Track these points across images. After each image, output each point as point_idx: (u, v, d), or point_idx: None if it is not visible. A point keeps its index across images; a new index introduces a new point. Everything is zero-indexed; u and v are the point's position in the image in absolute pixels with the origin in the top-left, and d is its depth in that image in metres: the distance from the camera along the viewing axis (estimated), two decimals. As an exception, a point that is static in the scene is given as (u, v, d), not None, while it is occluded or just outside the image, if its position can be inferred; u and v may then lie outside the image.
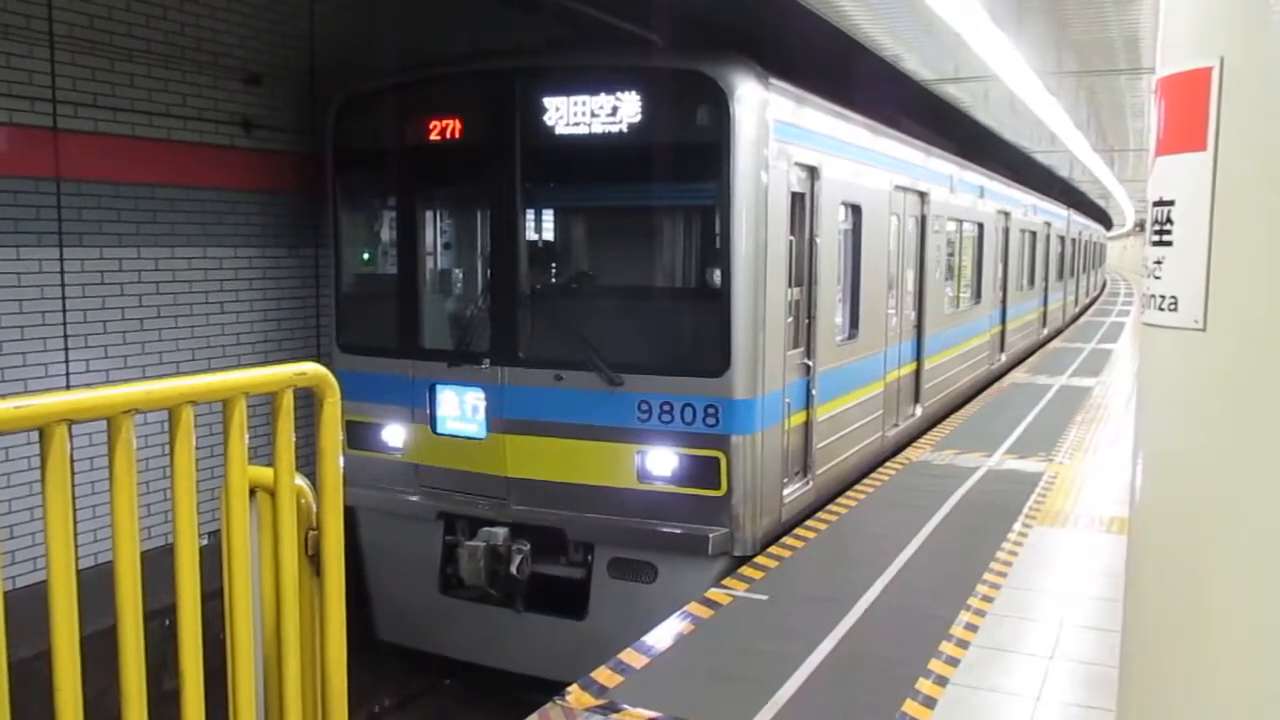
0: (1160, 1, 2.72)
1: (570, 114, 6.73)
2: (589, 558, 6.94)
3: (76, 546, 1.93)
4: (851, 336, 8.78)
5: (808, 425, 7.68)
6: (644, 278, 7.56)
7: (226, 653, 2.29)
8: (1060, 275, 24.89)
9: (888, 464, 9.50)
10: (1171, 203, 2.57)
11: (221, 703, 2.34)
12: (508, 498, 7.14)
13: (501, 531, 6.91)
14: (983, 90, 13.72)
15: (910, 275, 10.89)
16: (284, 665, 2.41)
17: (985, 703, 4.69)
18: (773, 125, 6.68)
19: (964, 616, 5.65)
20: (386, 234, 8.19)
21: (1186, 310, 2.52)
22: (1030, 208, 19.05)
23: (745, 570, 6.40)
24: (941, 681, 4.84)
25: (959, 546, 6.97)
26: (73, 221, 6.91)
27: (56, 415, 1.84)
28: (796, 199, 7.32)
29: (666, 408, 6.67)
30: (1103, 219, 43.84)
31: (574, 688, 4.75)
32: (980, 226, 14.26)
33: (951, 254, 12.85)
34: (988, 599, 5.94)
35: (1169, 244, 2.60)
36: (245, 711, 2.32)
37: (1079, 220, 29.38)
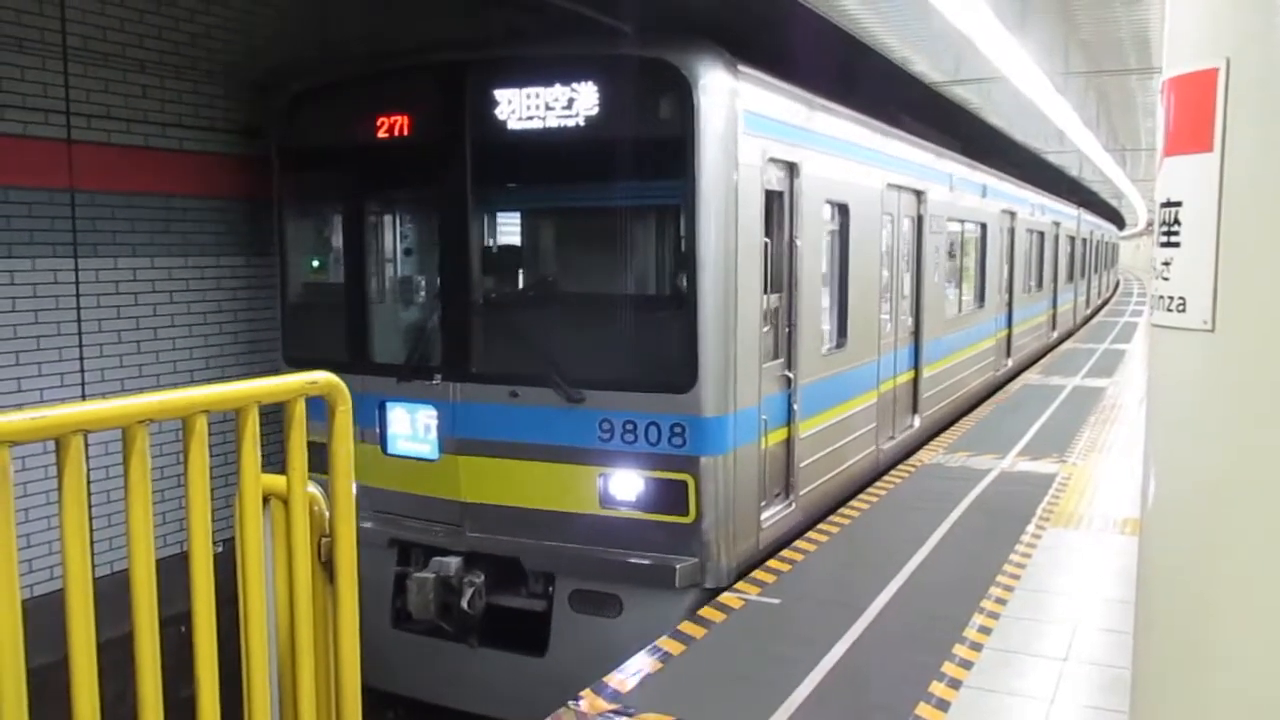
0: (1167, 2, 2.72)
1: (523, 108, 6.21)
2: (550, 589, 6.39)
3: (93, 555, 1.95)
4: (840, 345, 8.26)
5: (789, 442, 7.15)
6: (606, 285, 6.88)
7: (241, 659, 2.31)
8: (1070, 276, 24.26)
9: (900, 466, 9.48)
10: (1179, 204, 2.57)
11: (237, 708, 2.36)
12: (462, 524, 6.58)
13: (454, 561, 6.36)
14: (991, 91, 13.70)
15: (906, 279, 10.40)
16: (298, 671, 2.43)
17: (999, 705, 4.68)
18: (743, 117, 6.14)
19: (977, 619, 5.63)
20: (333, 239, 7.68)
21: (1195, 311, 2.52)
22: (1038, 207, 18.49)
23: (758, 574, 6.40)
24: (955, 684, 4.83)
25: (972, 549, 6.96)
26: (87, 232, 6.96)
27: (72, 425, 1.86)
28: (774, 198, 6.83)
29: (630, 426, 6.14)
30: (1115, 219, 43.64)
31: (587, 692, 4.76)
32: (983, 227, 13.75)
33: (952, 256, 12.39)
34: (1001, 601, 5.92)
35: (1177, 245, 2.60)
36: (261, 717, 2.33)
37: (1089, 219, 28.77)
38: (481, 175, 6.55)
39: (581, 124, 6.08)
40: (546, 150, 6.30)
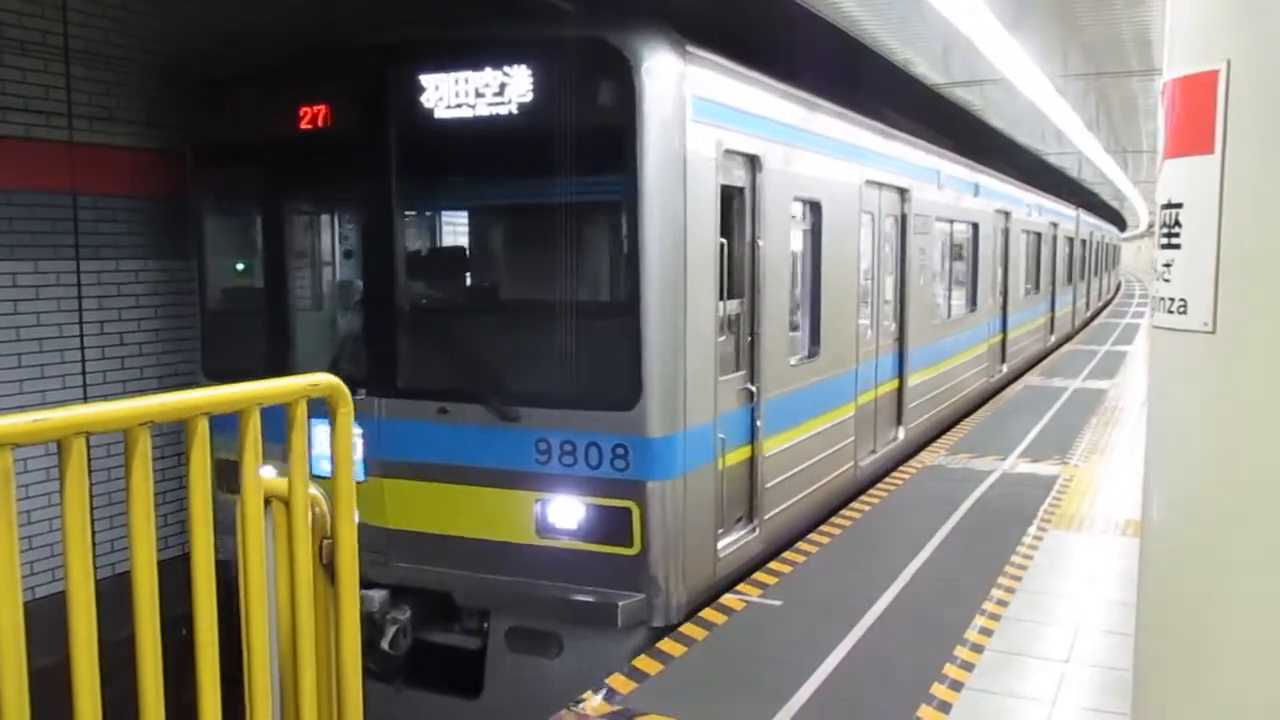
0: (1167, 5, 2.73)
1: (451, 95, 5.63)
2: (485, 625, 5.89)
3: (95, 556, 1.95)
4: (812, 355, 7.64)
5: (752, 462, 6.57)
6: (543, 291, 6.13)
7: (243, 660, 2.32)
8: (1069, 279, 23.66)
9: (901, 468, 9.48)
10: (1180, 205, 2.57)
11: (238, 710, 2.37)
12: (388, 554, 5.96)
13: (377, 595, 5.76)
14: (992, 93, 13.70)
15: (889, 282, 9.72)
16: (300, 672, 2.43)
17: (1000, 707, 4.68)
18: (692, 103, 5.59)
19: (979, 621, 5.63)
20: (253, 242, 7.03)
21: (1196, 313, 2.53)
22: (1034, 207, 17.83)
23: (759, 575, 6.40)
24: (956, 686, 4.83)
25: (974, 550, 6.95)
26: (89, 235, 6.93)
27: (74, 428, 1.87)
28: (733, 194, 6.29)
29: (568, 448, 5.58)
30: (1116, 220, 43.61)
31: (589, 693, 4.76)
32: (975, 227, 13.12)
33: (941, 258, 11.83)
34: (1003, 603, 5.92)
35: (1178, 247, 2.60)
36: (263, 718, 2.34)
37: (1089, 220, 28.21)
38: (406, 170, 5.99)
39: (515, 112, 5.52)
40: (477, 142, 5.75)
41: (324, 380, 2.36)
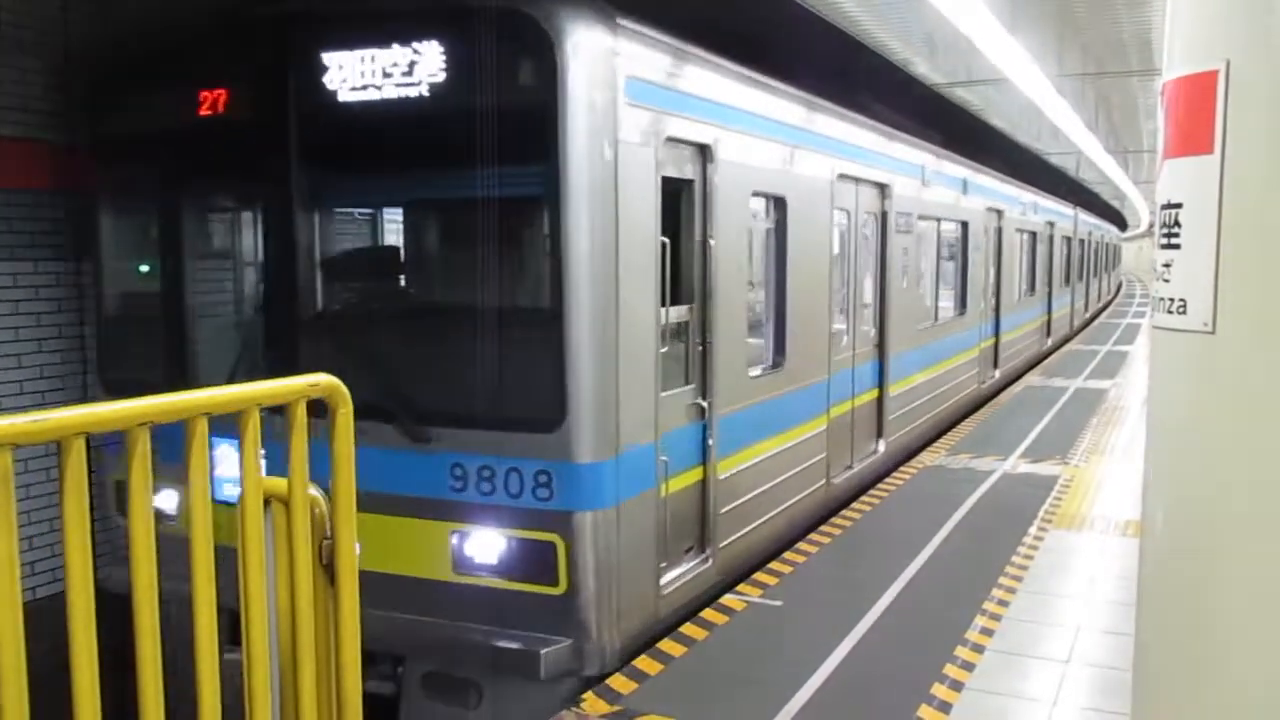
0: (1166, 6, 2.73)
1: (356, 74, 5.05)
2: (399, 669, 5.33)
3: (95, 557, 1.95)
4: (776, 365, 6.98)
5: (705, 485, 5.94)
6: (459, 296, 5.58)
7: (243, 661, 2.32)
8: (1067, 279, 22.95)
9: (902, 469, 9.47)
10: (1179, 205, 2.57)
11: (238, 711, 2.37)
12: None
13: None
14: (992, 93, 13.70)
15: (868, 284, 9.12)
16: (299, 673, 2.43)
17: (1001, 708, 4.68)
18: (626, 85, 4.99)
19: (979, 621, 5.63)
20: (150, 241, 6.42)
21: (1195, 313, 2.53)
22: (1029, 205, 17.05)
23: (759, 576, 6.40)
24: (956, 686, 4.83)
25: (974, 551, 6.95)
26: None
27: (74, 428, 1.87)
28: (681, 187, 5.72)
29: (486, 473, 4.97)
30: (1117, 220, 43.59)
31: (589, 694, 4.76)
32: (965, 226, 12.48)
33: (926, 258, 11.26)
34: (1003, 603, 5.92)
35: (1177, 247, 2.60)
36: (262, 718, 2.34)
37: (1088, 220, 27.50)
38: (308, 161, 5.39)
39: (426, 94, 4.95)
40: (385, 128, 5.16)
41: (323, 380, 2.36)
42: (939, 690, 4.78)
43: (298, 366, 4.98)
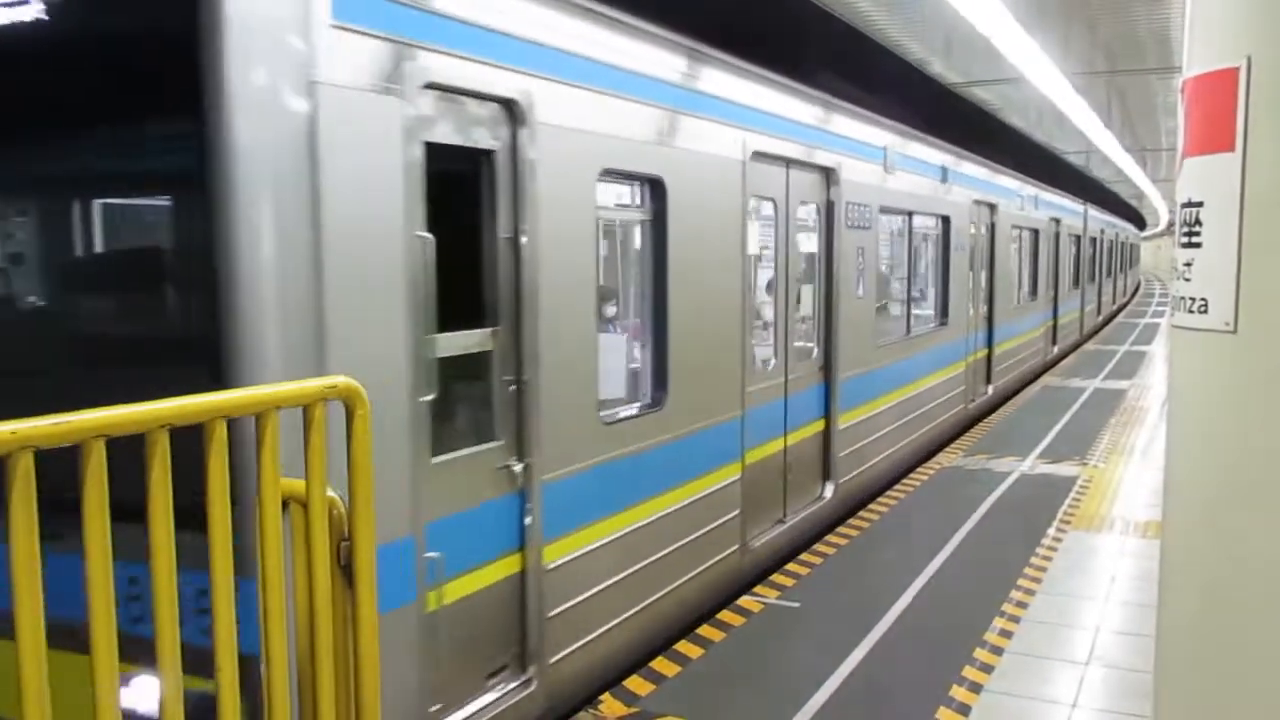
0: (1186, 3, 2.71)
1: None
2: None
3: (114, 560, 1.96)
4: (654, 405, 5.38)
5: (524, 580, 4.34)
6: (70, 322, 3.78)
7: (261, 662, 2.33)
8: (1076, 281, 21.10)
9: (920, 469, 9.43)
10: (1200, 204, 2.55)
11: (257, 712, 2.37)
12: None
13: None
14: (1009, 92, 13.64)
15: (806, 293, 7.64)
16: (318, 675, 2.44)
17: (1020, 710, 4.65)
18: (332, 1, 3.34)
19: (998, 622, 5.60)
20: None
21: (1217, 312, 2.50)
22: (1029, 199, 15.25)
23: (776, 577, 6.38)
24: (975, 688, 4.80)
25: (993, 551, 6.92)
26: None
27: (95, 430, 1.88)
28: (473, 161, 4.12)
29: (135, 592, 2.77)
30: (1135, 219, 43.31)
31: (606, 696, 4.76)
32: (946, 221, 10.84)
33: (893, 259, 9.92)
34: (1022, 605, 5.89)
35: (1198, 245, 2.58)
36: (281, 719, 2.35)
37: (1100, 217, 25.47)
38: None
39: (26, 21, 3.35)
40: None
41: (341, 382, 2.36)
42: (957, 692, 4.76)
43: None
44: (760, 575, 6.47)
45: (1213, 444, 2.65)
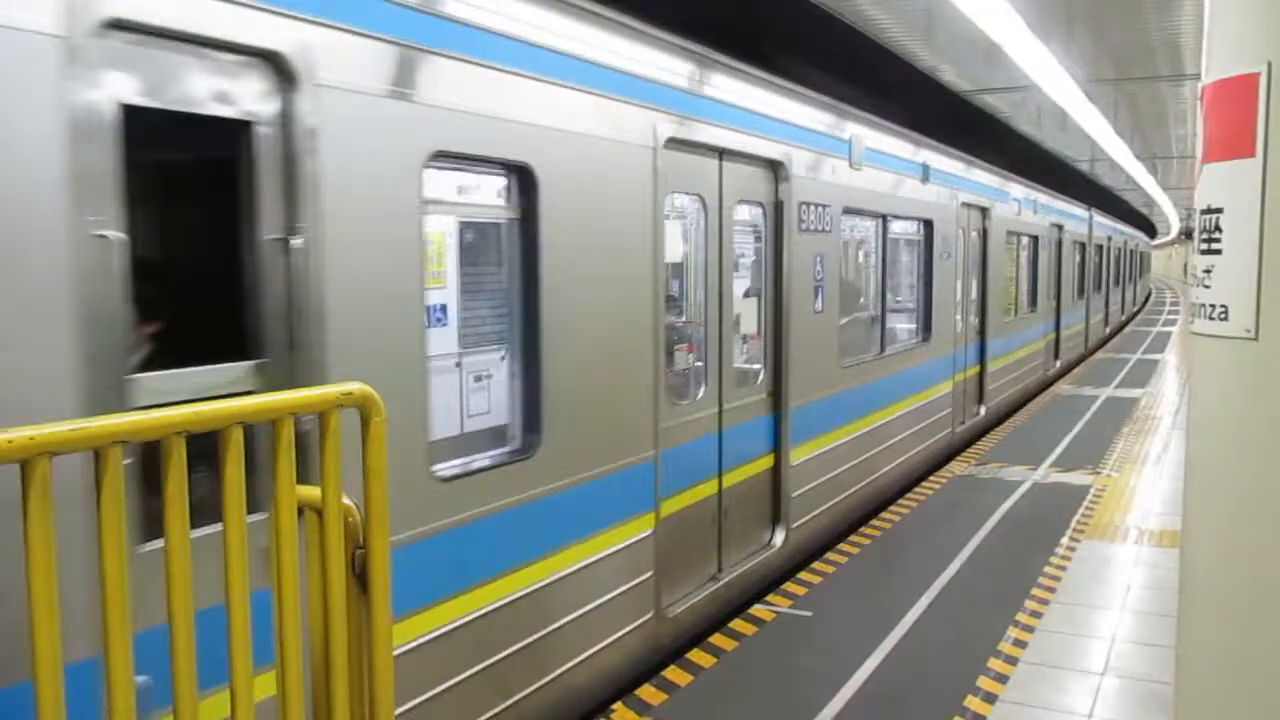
0: (1205, 9, 2.70)
1: None
2: None
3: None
4: (523, 451, 4.36)
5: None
6: None
7: (275, 671, 2.32)
8: (1081, 291, 19.86)
9: (932, 477, 9.39)
10: (1220, 210, 2.54)
11: (271, 720, 2.36)
12: None
13: None
14: (1021, 100, 13.61)
15: (749, 310, 6.55)
16: (332, 684, 2.43)
17: (1036, 720, 4.62)
18: None
19: (1012, 632, 5.57)
20: None
21: (1237, 319, 2.49)
22: (1026, 203, 14.12)
23: (788, 586, 6.36)
24: (990, 698, 4.77)
25: (1006, 560, 6.88)
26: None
27: (112, 436, 1.87)
28: (208, 135, 3.10)
29: None
30: (1146, 227, 43.16)
31: (619, 705, 4.74)
32: (928, 226, 9.75)
33: (864, 268, 9.01)
34: (1036, 614, 5.85)
35: (1218, 252, 2.56)
36: (295, 729, 2.33)
37: (1106, 223, 24.11)
38: None
39: None
40: None
41: (357, 389, 2.35)
42: (972, 702, 4.72)
43: None
44: (694, 640, 5.54)
45: (1234, 451, 2.63)
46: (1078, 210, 19.26)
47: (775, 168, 6.51)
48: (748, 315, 6.54)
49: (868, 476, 8.18)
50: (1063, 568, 6.72)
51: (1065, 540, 7.35)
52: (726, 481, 6.06)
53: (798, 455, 6.82)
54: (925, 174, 9.48)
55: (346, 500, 2.42)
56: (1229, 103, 2.55)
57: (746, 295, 6.56)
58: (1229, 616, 2.66)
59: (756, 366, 6.58)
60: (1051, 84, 11.01)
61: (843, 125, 7.58)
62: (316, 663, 2.44)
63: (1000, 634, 5.53)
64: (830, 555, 7.00)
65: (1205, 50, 2.66)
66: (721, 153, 5.87)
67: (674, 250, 5.72)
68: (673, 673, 5.08)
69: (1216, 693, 2.70)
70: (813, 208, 6.97)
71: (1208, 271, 2.59)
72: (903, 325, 9.86)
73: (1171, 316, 33.35)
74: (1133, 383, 16.29)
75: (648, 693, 4.86)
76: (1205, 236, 2.59)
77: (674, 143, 5.27)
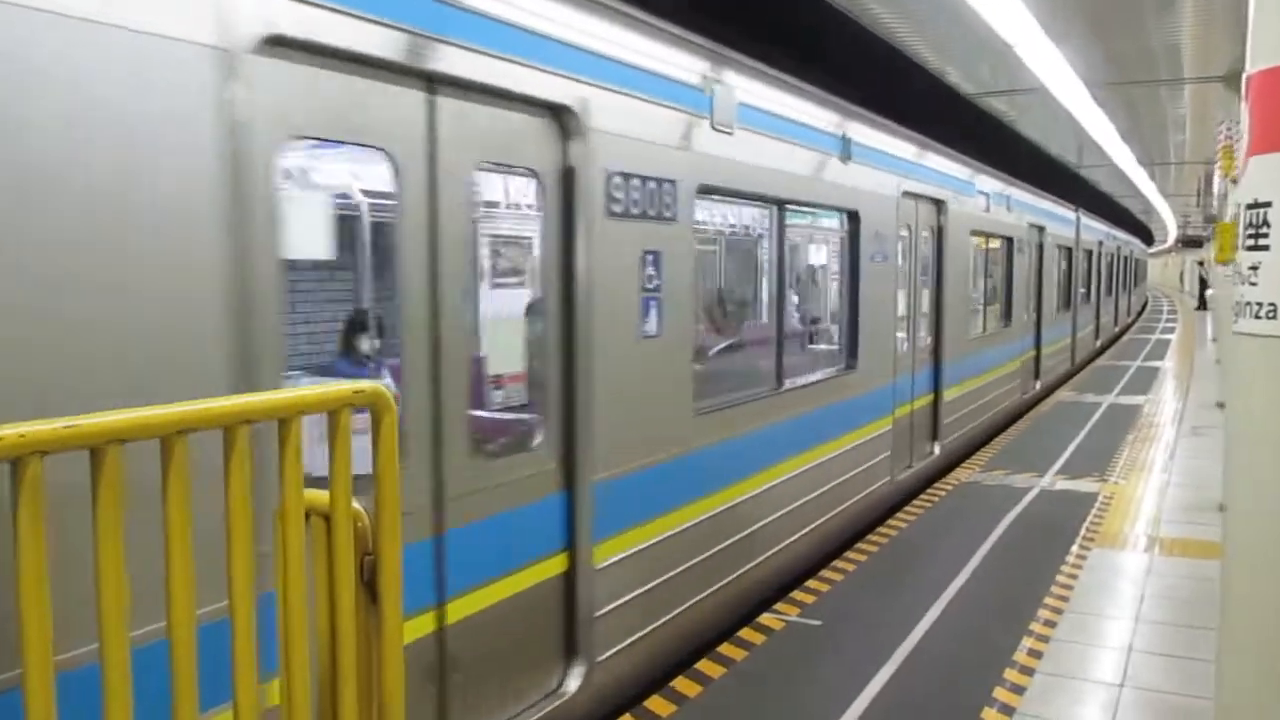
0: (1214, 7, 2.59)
1: None
2: None
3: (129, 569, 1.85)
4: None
5: None
6: None
7: (280, 679, 2.21)
8: (1067, 303, 17.74)
9: (936, 485, 9.28)
10: (1268, 204, 2.44)
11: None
12: None
13: None
14: (1024, 102, 13.54)
15: (509, 336, 4.78)
16: (340, 694, 2.32)
17: (1054, 733, 4.51)
18: None
19: (1027, 642, 5.46)
20: None
21: (1291, 317, 2.39)
22: (997, 198, 11.89)
23: (797, 595, 6.24)
24: (1007, 710, 4.66)
25: (1017, 569, 6.77)
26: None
27: (108, 435, 1.77)
28: None
29: None
30: (1143, 233, 43.05)
31: (627, 716, 4.63)
32: (853, 219, 7.54)
33: (741, 275, 7.52)
34: (1050, 624, 5.74)
35: (1266, 248, 2.46)
36: (300, 745, 2.22)
37: (1096, 227, 21.42)
38: None
39: None
40: None
41: (368, 387, 2.25)
42: (989, 715, 4.61)
43: None
44: None
45: (1276, 451, 2.53)
46: (1063, 210, 16.86)
47: (561, 116, 4.20)
48: (506, 344, 4.64)
49: (740, 565, 5.86)
50: (1074, 576, 6.61)
51: (1075, 549, 7.24)
52: (454, 614, 3.75)
53: (607, 553, 4.59)
54: (846, 150, 7.15)
55: (355, 505, 2.32)
56: (1276, 93, 2.45)
57: (530, 312, 4.64)
58: (1272, 621, 2.56)
59: (528, 419, 4.51)
60: (1058, 86, 10.94)
61: (696, 65, 5.23)
62: (323, 674, 2.33)
63: (1014, 644, 5.42)
64: (838, 563, 6.88)
65: (1250, 39, 2.57)
66: (430, 81, 3.55)
67: (316, 242, 3.92)
68: (682, 683, 4.97)
69: (1256, 702, 2.60)
70: (637, 181, 4.67)
71: (1254, 268, 2.49)
72: (821, 348, 8.06)
73: (1169, 324, 33.33)
74: (1134, 390, 16.21)
75: (656, 703, 4.74)
76: (1252, 232, 2.49)
77: (295, 46, 2.97)
